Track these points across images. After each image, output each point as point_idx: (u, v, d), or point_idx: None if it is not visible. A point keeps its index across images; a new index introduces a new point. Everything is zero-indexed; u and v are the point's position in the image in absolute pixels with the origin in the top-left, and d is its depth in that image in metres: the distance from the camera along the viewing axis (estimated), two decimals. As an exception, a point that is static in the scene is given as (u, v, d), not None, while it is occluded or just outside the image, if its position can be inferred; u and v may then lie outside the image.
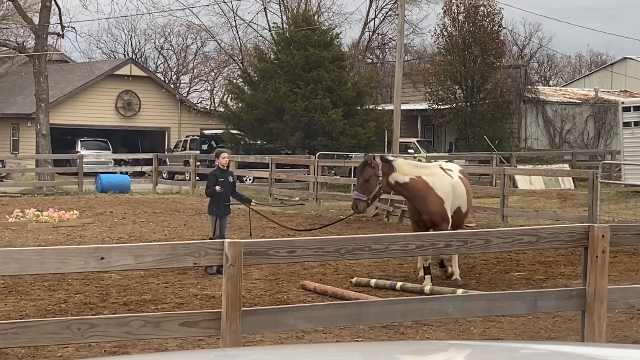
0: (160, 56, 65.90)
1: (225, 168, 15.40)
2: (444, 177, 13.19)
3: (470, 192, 13.90)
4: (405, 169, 12.95)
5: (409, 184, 12.88)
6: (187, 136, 47.52)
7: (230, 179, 15.24)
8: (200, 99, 63.22)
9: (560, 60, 76.49)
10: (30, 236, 19.25)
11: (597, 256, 7.32)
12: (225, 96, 51.34)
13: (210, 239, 13.97)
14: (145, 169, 37.93)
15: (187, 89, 64.87)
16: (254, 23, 56.84)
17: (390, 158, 13.44)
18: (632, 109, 30.62)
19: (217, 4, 55.40)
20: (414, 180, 12.89)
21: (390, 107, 40.68)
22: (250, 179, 35.46)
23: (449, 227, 12.85)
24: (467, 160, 39.46)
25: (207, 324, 6.76)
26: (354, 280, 13.56)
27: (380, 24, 55.98)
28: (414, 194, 12.92)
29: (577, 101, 47.92)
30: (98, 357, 9.18)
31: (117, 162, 41.68)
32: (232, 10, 56.13)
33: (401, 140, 36.77)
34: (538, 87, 52.23)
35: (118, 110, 48.87)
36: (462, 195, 13.39)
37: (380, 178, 12.81)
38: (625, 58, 56.33)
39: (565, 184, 32.24)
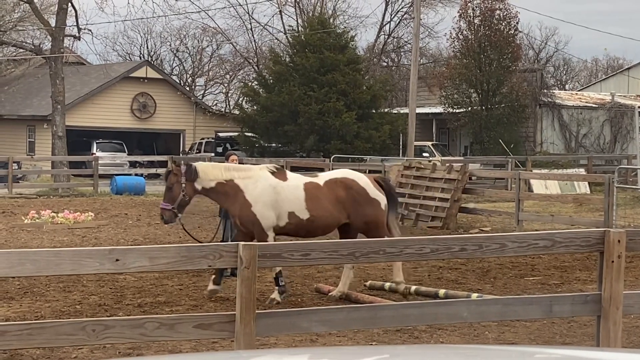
0: (176, 59, 66.10)
1: None
2: (262, 181, 12.41)
3: (321, 198, 12.44)
4: (212, 173, 12.52)
5: (215, 188, 12.48)
6: (202, 138, 47.61)
7: None
8: (216, 102, 63.31)
9: (576, 64, 76.35)
10: (45, 237, 19.31)
11: (612, 261, 7.29)
12: (240, 99, 51.42)
13: (220, 241, 13.97)
14: (160, 171, 37.91)
15: (202, 92, 65.00)
16: (270, 26, 56.95)
17: (196, 163, 12.90)
18: (648, 113, 30.50)
19: (233, 7, 55.56)
20: (221, 184, 12.43)
21: (405, 110, 40.65)
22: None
23: (265, 231, 12.27)
24: (482, 164, 39.40)
25: (221, 327, 6.76)
26: (367, 283, 13.54)
27: (395, 27, 55.99)
28: (223, 198, 12.57)
29: (594, 105, 47.76)
30: (112, 358, 9.20)
31: (133, 164, 41.79)
32: (248, 13, 56.23)
33: (416, 143, 36.75)
34: (554, 91, 52.10)
35: (133, 113, 48.98)
36: (297, 201, 12.36)
37: (184, 185, 12.51)
38: (642, 62, 56.16)
39: (581, 189, 32.13)
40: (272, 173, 12.53)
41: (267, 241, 11.94)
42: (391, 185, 13.30)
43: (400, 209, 23.13)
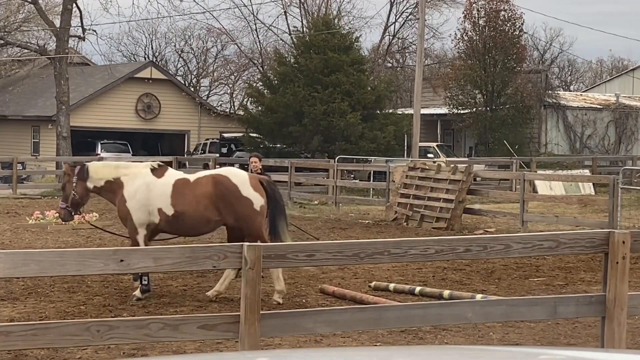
0: (181, 59, 66.12)
1: (258, 172, 15.45)
2: (139, 178, 12.68)
3: (187, 194, 12.47)
4: (102, 172, 12.99)
5: (104, 186, 12.91)
6: (207, 139, 47.62)
7: None
8: (220, 102, 63.36)
9: (581, 65, 76.32)
10: (50, 238, 19.33)
11: (617, 262, 7.28)
12: (245, 99, 51.45)
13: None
14: (165, 171, 38.02)
15: (207, 92, 65.03)
16: (274, 27, 56.97)
17: (89, 163, 13.38)
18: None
19: (238, 7, 55.58)
20: (110, 182, 12.85)
21: (410, 111, 40.64)
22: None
23: (137, 227, 12.51)
24: (486, 165, 39.39)
25: (225, 327, 6.76)
26: (372, 284, 13.54)
27: (400, 28, 55.98)
28: (111, 196, 12.98)
29: (598, 106, 47.72)
30: (117, 359, 9.21)
31: (137, 165, 41.75)
32: (253, 14, 56.28)
33: (421, 144, 36.74)
34: (559, 92, 52.09)
35: (138, 113, 49.01)
36: (164, 197, 12.48)
37: (75, 184, 13.00)
38: (647, 63, 56.11)
39: (585, 190, 32.10)
40: (152, 170, 12.80)
41: (136, 238, 12.47)
42: (275, 188, 12.90)
43: (404, 210, 23.14)
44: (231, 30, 58.84)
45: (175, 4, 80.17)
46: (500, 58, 43.72)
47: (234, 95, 65.00)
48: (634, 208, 23.54)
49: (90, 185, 12.98)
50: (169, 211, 12.47)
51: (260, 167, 15.78)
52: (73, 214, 13.40)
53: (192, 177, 12.76)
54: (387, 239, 11.43)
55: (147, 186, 12.59)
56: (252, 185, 12.51)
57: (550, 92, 47.28)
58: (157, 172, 12.76)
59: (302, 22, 52.39)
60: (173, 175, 12.86)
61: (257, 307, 6.69)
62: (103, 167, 13.21)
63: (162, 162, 13.67)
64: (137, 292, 12.48)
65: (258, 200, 12.46)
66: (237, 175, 12.68)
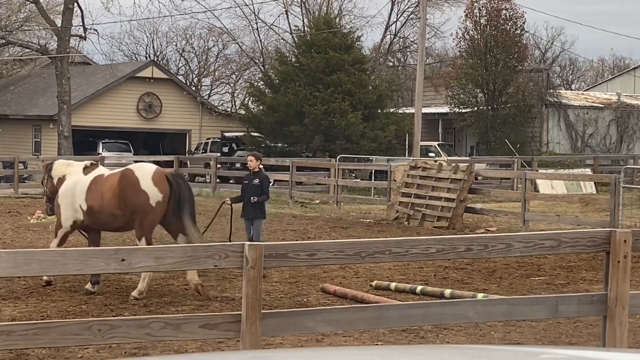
0: (182, 59, 66.09)
1: (255, 171, 15.44)
2: (73, 176, 13.17)
3: (98, 189, 12.76)
4: (59, 169, 13.49)
5: (58, 183, 13.38)
6: (208, 138, 47.60)
7: (256, 181, 15.26)
8: (222, 102, 63.32)
9: (582, 64, 76.28)
10: (51, 237, 19.30)
11: (619, 261, 7.28)
12: (246, 99, 51.42)
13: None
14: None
15: (208, 92, 65.00)
16: (276, 26, 56.98)
17: (55, 161, 13.95)
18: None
19: (239, 7, 55.59)
20: (60, 180, 13.34)
21: (411, 110, 40.64)
22: (270, 182, 35.45)
23: (62, 222, 13.10)
24: (488, 164, 39.39)
25: (227, 326, 6.76)
26: (374, 283, 13.54)
27: (401, 27, 55.97)
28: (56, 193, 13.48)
29: (600, 105, 47.70)
30: (118, 358, 9.21)
31: (139, 164, 41.77)
32: (254, 13, 56.28)
33: (422, 143, 36.74)
34: (560, 91, 52.07)
35: (139, 113, 49.01)
36: (82, 193, 12.88)
37: (45, 181, 13.76)
38: (648, 62, 56.09)
39: (587, 189, 32.09)
40: (84, 168, 13.21)
41: (58, 232, 13.24)
42: (181, 183, 12.78)
43: (406, 209, 23.14)
44: (232, 30, 58.92)
45: (176, 3, 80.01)
46: (502, 57, 43.71)
47: (235, 95, 65.04)
48: (636, 207, 23.54)
49: (54, 181, 13.47)
50: (84, 206, 12.90)
51: (259, 166, 15.65)
52: (49, 207, 13.92)
53: (107, 172, 13.23)
54: (388, 238, 11.43)
55: (74, 184, 13.04)
56: (154, 179, 12.51)
57: (551, 91, 47.26)
58: (87, 170, 13.21)
59: (303, 21, 52.42)
60: (97, 172, 13.18)
61: (258, 306, 6.69)
62: (60, 165, 13.68)
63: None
64: (89, 285, 12.82)
65: (155, 196, 12.45)
66: (141, 169, 12.85)
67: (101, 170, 13.31)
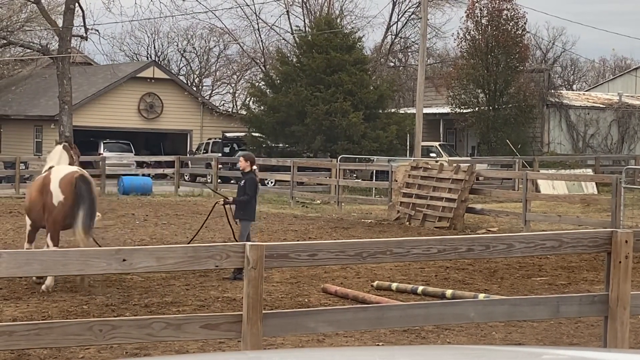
0: (183, 59, 66.13)
1: (245, 171, 15.33)
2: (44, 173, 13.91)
3: (34, 187, 13.96)
4: (45, 168, 14.29)
5: None
6: (209, 139, 47.61)
7: (242, 182, 15.17)
8: (223, 102, 63.35)
9: (584, 64, 76.26)
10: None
11: (620, 261, 7.28)
12: (248, 99, 51.44)
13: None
14: (167, 171, 38.05)
15: (209, 92, 65.03)
16: (277, 26, 57.00)
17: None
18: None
19: (240, 7, 55.58)
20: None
21: (412, 110, 40.63)
22: (272, 182, 35.50)
23: (26, 218, 13.90)
24: (489, 165, 39.39)
25: (228, 327, 6.76)
26: (375, 283, 13.54)
27: (402, 27, 55.93)
28: None
29: (601, 106, 47.69)
30: (119, 358, 9.21)
31: (140, 164, 41.81)
32: (255, 14, 56.26)
33: (423, 144, 36.72)
34: (561, 91, 52.07)
35: (140, 113, 49.03)
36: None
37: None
38: (650, 63, 56.04)
39: (588, 189, 32.09)
40: (49, 169, 13.91)
41: (25, 223, 14.08)
42: (82, 185, 13.33)
43: (407, 209, 23.13)
44: (233, 30, 58.91)
45: (177, 3, 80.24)
46: (503, 57, 43.70)
47: (236, 95, 65.04)
48: (637, 207, 23.53)
49: None
50: (27, 202, 13.90)
51: (252, 167, 15.26)
52: None
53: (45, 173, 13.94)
54: (389, 238, 11.43)
55: (33, 183, 13.93)
56: (62, 181, 13.36)
57: (552, 91, 47.25)
58: (48, 170, 13.91)
59: (304, 21, 52.41)
60: (46, 172, 13.94)
61: (259, 306, 6.69)
62: (54, 154, 14.48)
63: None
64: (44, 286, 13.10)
65: (57, 196, 13.33)
66: (58, 171, 13.70)
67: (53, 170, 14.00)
